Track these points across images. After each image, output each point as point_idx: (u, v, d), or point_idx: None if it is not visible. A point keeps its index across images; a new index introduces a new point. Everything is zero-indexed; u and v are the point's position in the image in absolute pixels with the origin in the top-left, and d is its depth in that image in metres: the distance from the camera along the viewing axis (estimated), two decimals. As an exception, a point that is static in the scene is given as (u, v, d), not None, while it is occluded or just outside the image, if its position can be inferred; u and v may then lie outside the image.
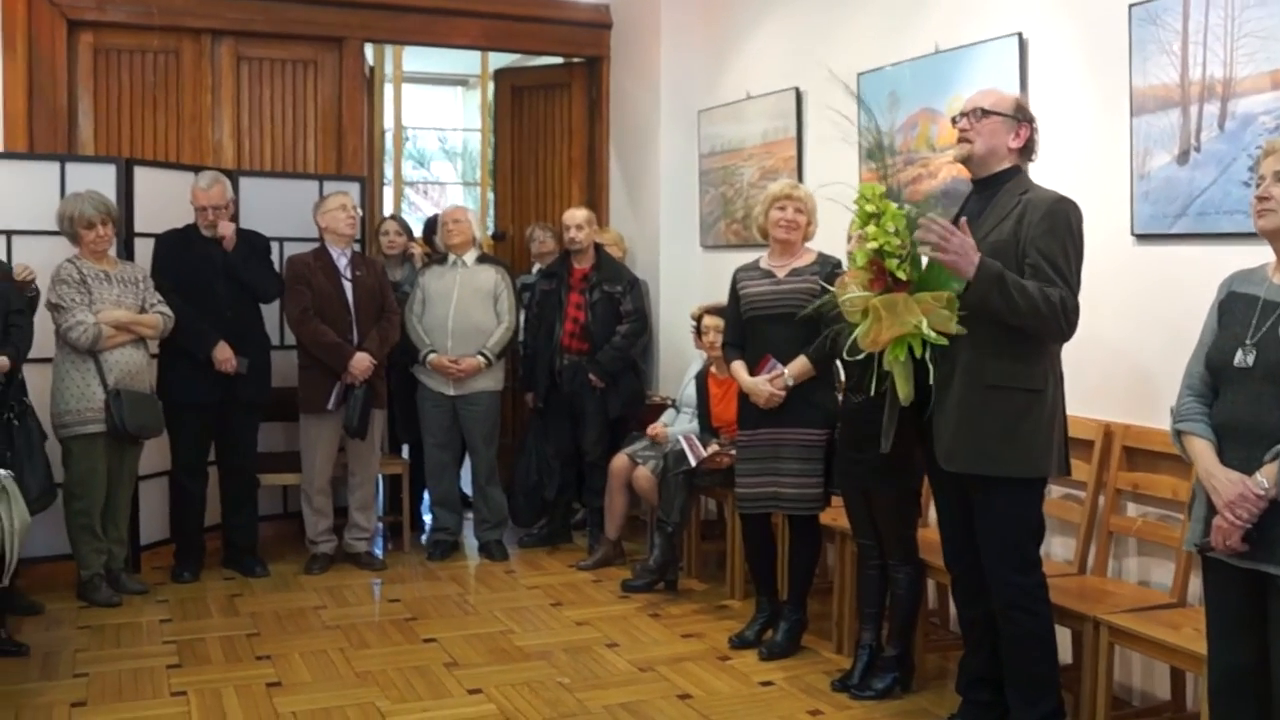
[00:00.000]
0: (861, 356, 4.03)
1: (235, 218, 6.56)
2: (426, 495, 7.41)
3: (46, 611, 5.80)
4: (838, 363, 4.85)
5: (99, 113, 7.43)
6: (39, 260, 5.86)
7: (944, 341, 3.74)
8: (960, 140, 3.97)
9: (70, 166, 6.38)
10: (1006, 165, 3.94)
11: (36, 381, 5.68)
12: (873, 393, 4.11)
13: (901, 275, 3.80)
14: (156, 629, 5.63)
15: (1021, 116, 3.94)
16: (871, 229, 3.79)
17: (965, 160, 4.00)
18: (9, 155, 6.67)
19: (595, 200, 8.48)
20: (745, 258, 5.49)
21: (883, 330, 3.79)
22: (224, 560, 6.65)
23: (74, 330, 5.71)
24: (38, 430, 5.41)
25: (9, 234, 5.97)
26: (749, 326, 5.22)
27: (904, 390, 3.92)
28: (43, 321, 5.72)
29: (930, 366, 3.82)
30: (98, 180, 6.21)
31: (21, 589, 5.68)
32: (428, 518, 7.42)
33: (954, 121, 4.02)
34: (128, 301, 5.92)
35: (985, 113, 3.92)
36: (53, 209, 5.98)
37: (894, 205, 3.81)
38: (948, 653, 5.00)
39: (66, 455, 5.83)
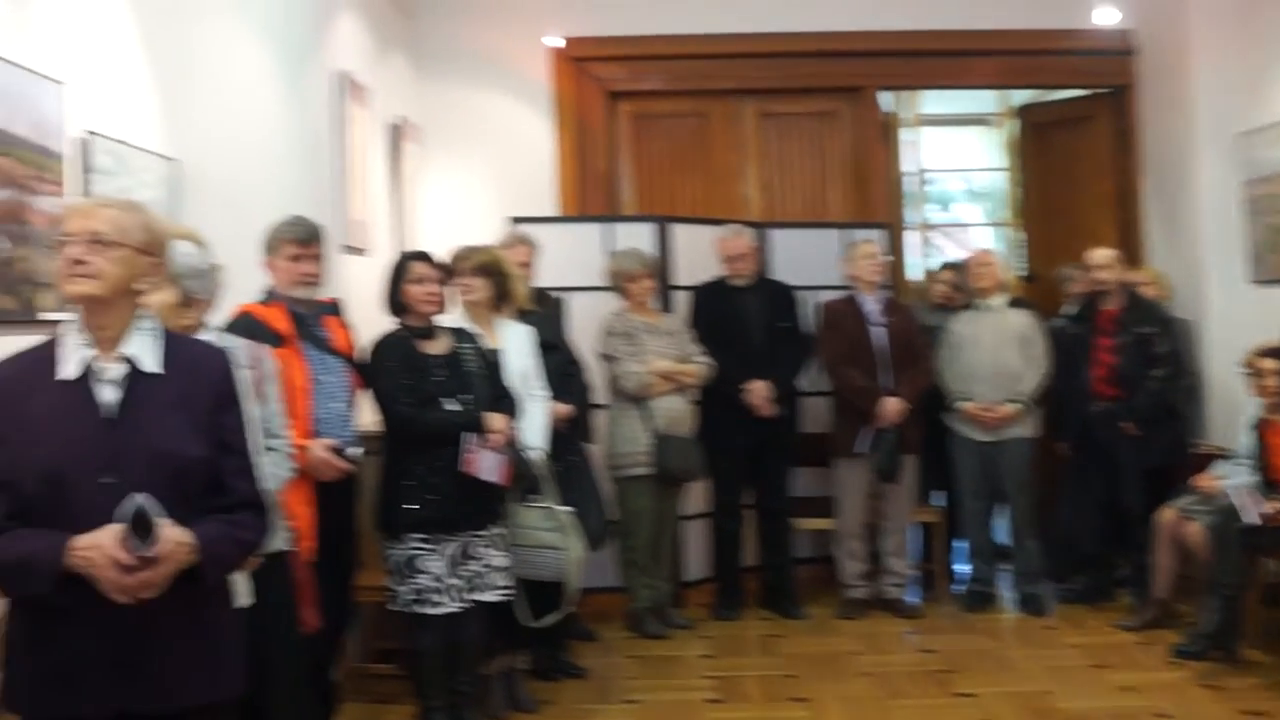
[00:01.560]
0: None
1: (764, 268, 6.72)
2: (961, 544, 7.21)
3: (600, 639, 6.14)
4: None
5: (638, 175, 7.85)
6: (592, 313, 6.27)
7: None
8: None
9: (614, 227, 6.82)
10: None
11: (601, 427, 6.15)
12: None
13: None
14: (698, 663, 5.82)
15: None
16: None
17: None
18: (562, 219, 7.21)
19: (1128, 237, 8.01)
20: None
21: None
22: (762, 601, 6.77)
23: (624, 379, 6.08)
24: (594, 472, 5.75)
25: (563, 290, 6.35)
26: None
27: None
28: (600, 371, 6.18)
29: None
30: (638, 238, 6.60)
31: (580, 617, 6.00)
32: (962, 567, 7.22)
33: None
34: (670, 351, 6.21)
35: None
36: (600, 267, 6.38)
37: None
38: None
39: (618, 495, 6.15)
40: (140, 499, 2.39)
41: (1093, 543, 6.72)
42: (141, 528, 2.37)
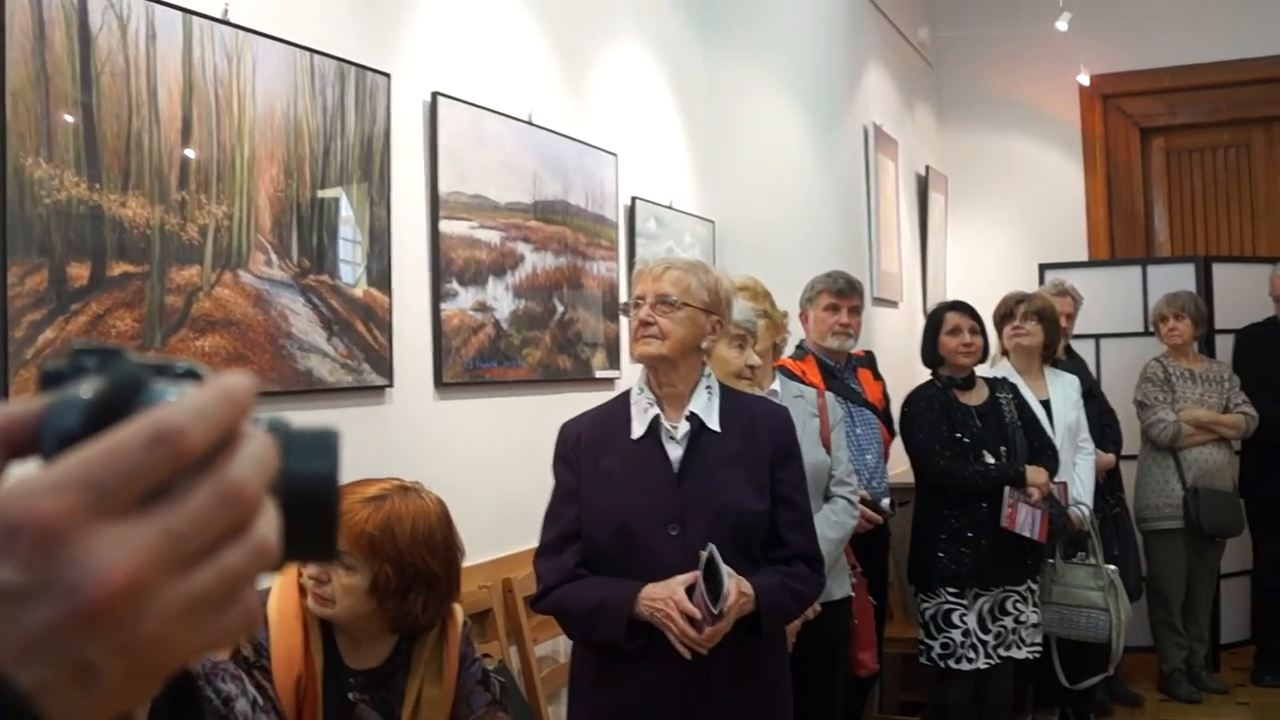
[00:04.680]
0: None
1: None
2: None
3: (1141, 703, 5.56)
4: None
5: (1173, 213, 7.20)
6: (1129, 360, 5.75)
7: None
8: None
9: (1150, 269, 6.26)
10: None
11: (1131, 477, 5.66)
12: None
13: None
14: (1236, 731, 5.18)
15: None
16: None
17: None
18: (1095, 263, 6.76)
19: None
20: None
21: None
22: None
23: (1154, 427, 5.58)
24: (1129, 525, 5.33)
25: (1097, 337, 5.94)
26: None
27: None
28: (1130, 419, 5.63)
29: None
30: (1177, 279, 6.02)
31: (1123, 679, 5.54)
32: None
33: None
34: (1210, 400, 5.61)
35: None
36: (1136, 311, 5.89)
37: None
38: None
39: (1147, 549, 5.62)
40: (713, 551, 2.37)
41: None
42: (713, 581, 2.35)
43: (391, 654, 2.29)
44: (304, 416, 0.45)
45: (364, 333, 2.96)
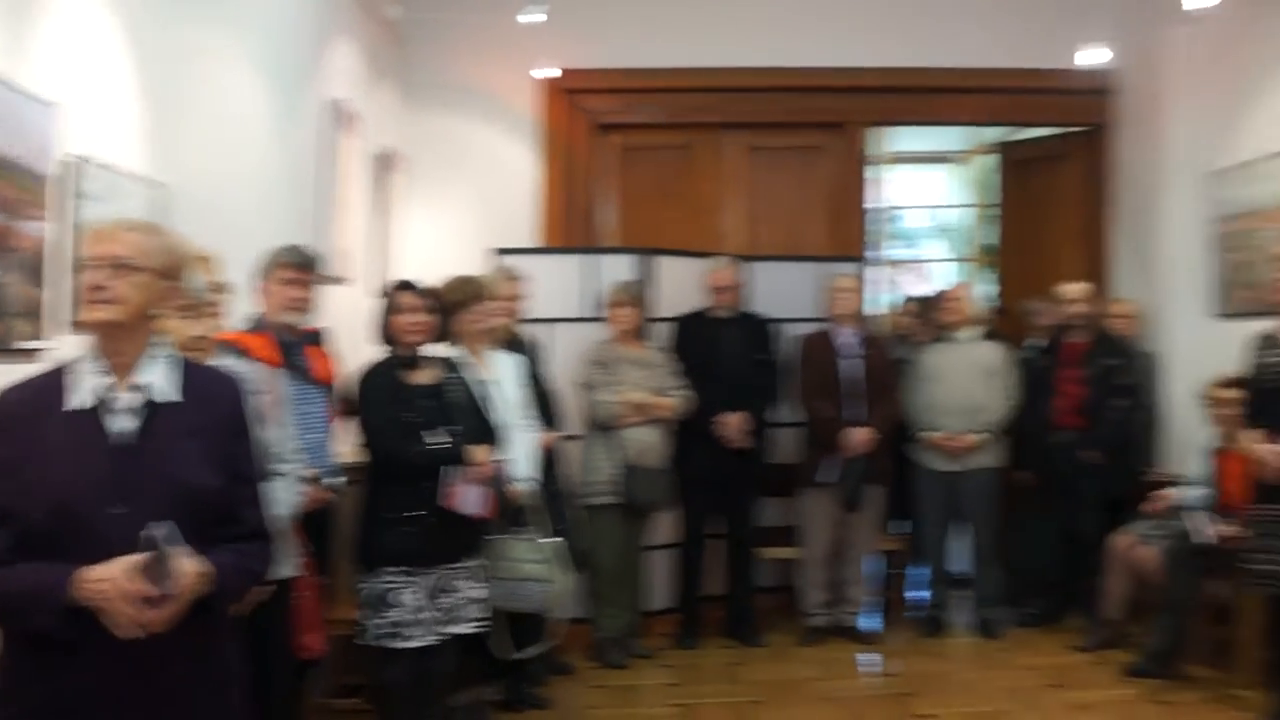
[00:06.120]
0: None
1: (745, 301, 6.60)
2: (920, 571, 7.09)
3: (570, 670, 5.89)
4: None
5: (624, 207, 7.72)
6: (573, 344, 6.16)
7: None
8: None
9: (597, 259, 6.66)
10: None
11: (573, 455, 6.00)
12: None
13: None
14: (661, 692, 5.68)
15: None
16: None
17: None
18: (545, 250, 7.14)
19: (1096, 271, 7.88)
20: (1264, 326, 5.01)
21: None
22: (725, 629, 6.59)
23: (595, 408, 5.98)
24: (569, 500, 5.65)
25: (550, 321, 6.26)
26: (1268, 398, 4.77)
27: None
28: (575, 400, 6.03)
29: None
30: (621, 270, 6.45)
31: (557, 649, 5.78)
32: (918, 593, 7.11)
33: None
34: (649, 383, 6.06)
35: None
36: (584, 298, 6.29)
37: None
38: None
39: (586, 524, 5.97)
40: (163, 529, 2.26)
41: (1051, 569, 6.65)
42: (160, 560, 2.24)
43: None
44: None
45: None
